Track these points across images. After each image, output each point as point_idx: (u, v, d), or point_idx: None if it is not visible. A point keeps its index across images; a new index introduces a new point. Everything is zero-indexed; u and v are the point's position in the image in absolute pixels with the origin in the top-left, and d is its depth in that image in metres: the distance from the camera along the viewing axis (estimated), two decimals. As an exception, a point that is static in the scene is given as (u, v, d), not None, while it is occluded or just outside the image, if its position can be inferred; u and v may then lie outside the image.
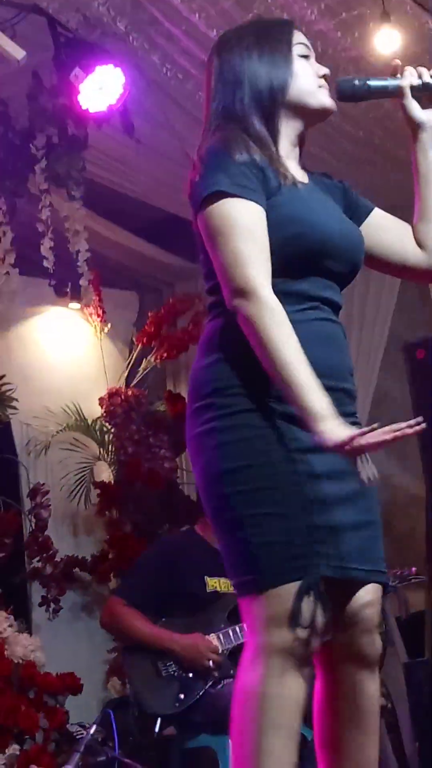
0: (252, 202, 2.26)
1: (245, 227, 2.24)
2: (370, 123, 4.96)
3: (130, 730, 4.18)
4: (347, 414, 2.32)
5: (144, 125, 4.76)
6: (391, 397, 6.01)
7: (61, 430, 6.01)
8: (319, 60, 2.51)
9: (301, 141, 2.52)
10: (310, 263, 2.33)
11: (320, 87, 2.45)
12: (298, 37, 2.48)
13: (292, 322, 2.25)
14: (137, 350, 6.34)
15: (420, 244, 2.54)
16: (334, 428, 2.12)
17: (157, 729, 4.05)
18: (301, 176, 2.46)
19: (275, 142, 2.41)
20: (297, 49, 2.45)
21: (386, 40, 4.28)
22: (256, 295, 2.20)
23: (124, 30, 4.51)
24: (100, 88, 4.63)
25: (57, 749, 4.86)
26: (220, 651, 4.14)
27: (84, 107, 4.71)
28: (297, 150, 2.50)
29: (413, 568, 4.26)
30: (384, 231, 2.55)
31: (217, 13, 4.26)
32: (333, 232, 2.36)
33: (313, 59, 2.49)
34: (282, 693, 2.18)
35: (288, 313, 2.25)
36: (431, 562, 5.01)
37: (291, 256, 2.27)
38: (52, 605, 5.67)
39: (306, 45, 2.48)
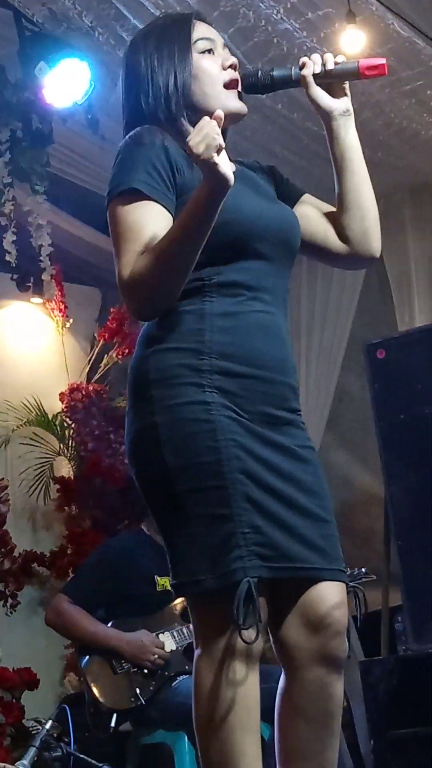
0: (152, 202, 2.25)
1: (133, 227, 2.25)
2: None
3: (86, 725, 4.18)
4: (292, 410, 2.31)
5: (109, 121, 4.74)
6: (351, 395, 6.06)
7: (21, 425, 6.00)
8: (284, 60, 2.49)
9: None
10: (241, 248, 2.28)
11: (226, 87, 2.39)
12: (199, 31, 2.43)
13: (232, 314, 2.25)
14: (99, 346, 6.33)
15: (340, 235, 2.47)
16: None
17: (112, 724, 4.05)
18: None
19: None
20: (198, 45, 2.40)
21: (351, 41, 4.27)
22: (123, 280, 2.23)
23: (89, 25, 4.50)
24: (65, 83, 4.63)
25: (12, 744, 4.86)
26: (168, 648, 4.15)
27: (49, 102, 4.71)
28: None
29: (363, 569, 4.27)
30: (311, 217, 2.49)
31: (182, 10, 4.26)
32: (259, 213, 2.32)
33: (220, 49, 2.43)
34: (247, 694, 2.17)
35: (227, 305, 2.26)
36: (389, 560, 5.06)
37: (220, 244, 2.21)
38: (10, 600, 5.66)
39: (208, 38, 2.42)
